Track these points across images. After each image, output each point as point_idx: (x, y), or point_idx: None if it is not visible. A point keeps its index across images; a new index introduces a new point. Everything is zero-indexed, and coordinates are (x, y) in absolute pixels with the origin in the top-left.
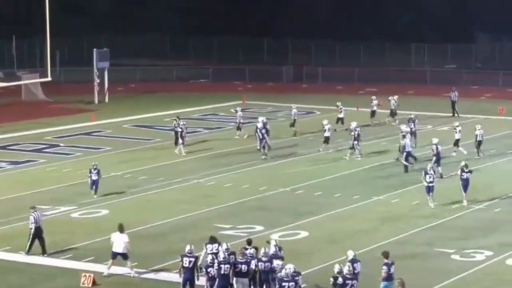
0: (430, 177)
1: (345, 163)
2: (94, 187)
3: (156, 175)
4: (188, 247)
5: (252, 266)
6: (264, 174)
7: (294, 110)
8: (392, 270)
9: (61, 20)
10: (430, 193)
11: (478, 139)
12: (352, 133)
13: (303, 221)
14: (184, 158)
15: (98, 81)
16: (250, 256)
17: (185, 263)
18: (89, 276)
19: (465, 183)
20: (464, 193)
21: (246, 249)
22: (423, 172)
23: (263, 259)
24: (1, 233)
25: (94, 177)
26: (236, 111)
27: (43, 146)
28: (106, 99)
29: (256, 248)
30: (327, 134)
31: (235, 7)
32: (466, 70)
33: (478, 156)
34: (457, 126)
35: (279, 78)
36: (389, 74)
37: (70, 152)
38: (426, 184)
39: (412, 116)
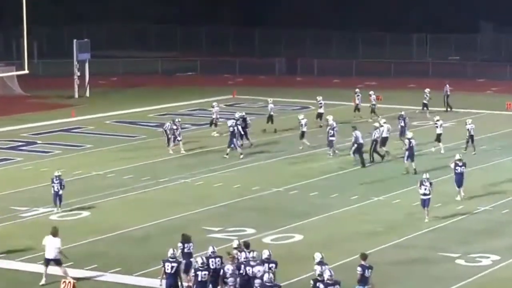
0: (425, 188)
1: (342, 162)
2: (57, 199)
3: (141, 174)
4: (170, 251)
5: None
6: (257, 173)
7: (271, 105)
8: (368, 274)
9: (39, 8)
10: (426, 207)
11: (470, 133)
12: (330, 129)
13: (298, 223)
14: (171, 156)
15: (78, 74)
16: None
17: (167, 269)
18: (69, 282)
19: (459, 178)
20: (458, 188)
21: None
22: (418, 182)
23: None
24: None
25: (57, 188)
26: (213, 106)
27: (19, 143)
28: (87, 94)
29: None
30: (304, 129)
31: None
32: (471, 62)
33: (465, 150)
34: (438, 121)
35: (272, 71)
36: (389, 67)
37: (49, 150)
38: (421, 196)
39: (403, 113)
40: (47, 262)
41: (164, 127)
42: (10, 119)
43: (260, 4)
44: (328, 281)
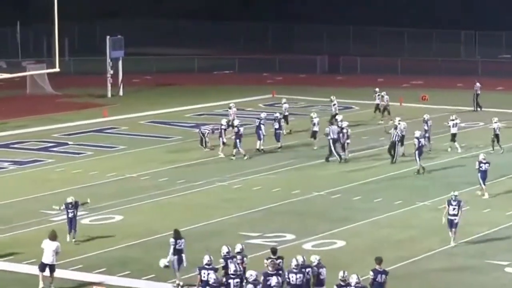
0: (454, 208)
1: (385, 165)
2: (71, 227)
3: (176, 176)
4: (206, 258)
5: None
6: (298, 176)
7: (285, 105)
8: (381, 279)
9: (70, 3)
10: (453, 229)
11: (495, 132)
12: (345, 131)
13: (340, 229)
14: (207, 158)
15: (111, 72)
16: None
17: (203, 276)
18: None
19: (483, 175)
20: (483, 186)
21: (276, 259)
22: (446, 202)
23: (294, 270)
24: (3, 241)
25: (71, 214)
26: (230, 107)
27: (50, 144)
28: (121, 93)
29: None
30: (315, 128)
31: None
32: None
33: (493, 150)
34: (453, 119)
35: (313, 69)
36: (436, 65)
37: (80, 151)
38: (448, 216)
39: (426, 117)
40: (43, 267)
41: (202, 129)
42: (41, 119)
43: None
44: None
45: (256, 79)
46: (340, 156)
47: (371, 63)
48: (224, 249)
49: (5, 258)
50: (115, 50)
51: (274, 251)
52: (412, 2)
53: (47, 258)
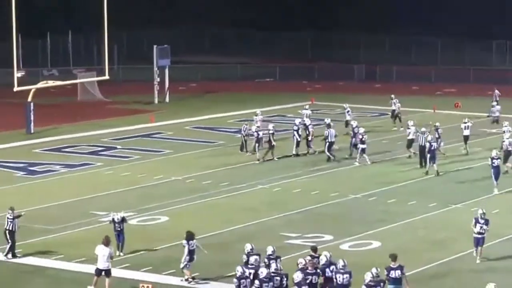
0: (481, 227)
1: (418, 170)
2: (120, 242)
3: (220, 179)
4: (239, 270)
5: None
6: (336, 180)
7: (307, 111)
8: (396, 275)
9: (119, 13)
10: (479, 247)
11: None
12: (361, 137)
13: (376, 230)
14: (249, 162)
15: (158, 80)
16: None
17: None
18: (148, 286)
19: (496, 171)
20: (495, 182)
21: (314, 257)
22: (473, 220)
23: (342, 271)
24: (55, 241)
25: (119, 227)
26: (257, 115)
27: (100, 148)
28: (167, 99)
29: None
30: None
31: (304, 2)
32: None
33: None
34: (466, 122)
35: (351, 77)
36: (468, 74)
37: (128, 155)
38: (474, 234)
39: (437, 124)
40: (98, 272)
41: (245, 131)
42: (91, 124)
43: (339, 9)
44: (370, 283)
45: (296, 87)
46: (334, 156)
47: (406, 72)
48: (269, 249)
49: (57, 257)
50: (162, 59)
51: (314, 249)
52: (444, 12)
53: (102, 263)
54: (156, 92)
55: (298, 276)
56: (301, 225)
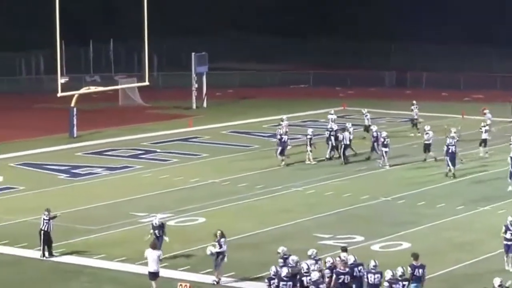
0: (511, 233)
1: (448, 173)
2: (161, 245)
3: (255, 182)
4: (273, 270)
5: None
6: (367, 183)
7: (333, 116)
8: (419, 273)
9: (159, 22)
10: (510, 254)
11: None
12: (383, 140)
13: (405, 232)
14: (284, 165)
15: (196, 86)
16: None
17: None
18: (186, 285)
19: None
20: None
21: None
22: (503, 228)
23: (373, 271)
24: (96, 240)
25: (158, 233)
26: (283, 120)
27: (140, 152)
28: (204, 105)
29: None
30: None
31: (336, 9)
32: None
33: None
34: (484, 126)
35: (382, 84)
36: (495, 80)
37: (167, 158)
38: (504, 241)
39: (453, 130)
40: (151, 275)
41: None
42: (131, 128)
43: (370, 18)
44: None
45: (329, 93)
46: (347, 159)
47: (435, 78)
48: (312, 252)
49: (98, 256)
50: (199, 66)
51: (344, 249)
52: (473, 21)
53: (151, 266)
54: (194, 97)
55: (315, 275)
56: (333, 227)
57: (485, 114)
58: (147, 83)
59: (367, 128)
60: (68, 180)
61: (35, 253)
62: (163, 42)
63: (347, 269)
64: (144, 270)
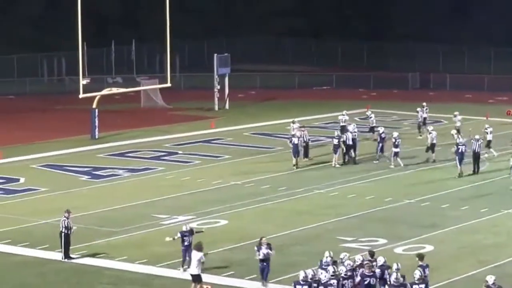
0: None
1: (470, 176)
2: (185, 257)
3: (278, 184)
4: (302, 274)
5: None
6: (391, 185)
7: (344, 117)
8: (426, 273)
9: (181, 23)
10: None
11: None
12: (394, 141)
13: (429, 235)
14: (306, 168)
15: (218, 87)
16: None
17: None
18: (207, 287)
19: None
20: None
21: (372, 260)
22: None
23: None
24: (118, 242)
25: (187, 242)
26: (294, 122)
27: (162, 153)
28: (227, 106)
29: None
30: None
31: (359, 10)
32: None
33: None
34: (488, 128)
35: (405, 85)
36: None
37: (189, 160)
38: None
39: (477, 136)
40: (192, 277)
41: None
42: (153, 130)
43: (394, 19)
44: (394, 283)
45: (352, 95)
46: (350, 158)
47: (459, 80)
48: (343, 255)
49: (120, 258)
50: (221, 67)
51: (371, 253)
52: (498, 23)
53: (193, 268)
54: (216, 99)
55: (325, 276)
56: (356, 229)
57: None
58: (169, 84)
59: (372, 129)
60: (90, 181)
61: (56, 255)
62: (185, 43)
63: (372, 272)
64: (164, 272)
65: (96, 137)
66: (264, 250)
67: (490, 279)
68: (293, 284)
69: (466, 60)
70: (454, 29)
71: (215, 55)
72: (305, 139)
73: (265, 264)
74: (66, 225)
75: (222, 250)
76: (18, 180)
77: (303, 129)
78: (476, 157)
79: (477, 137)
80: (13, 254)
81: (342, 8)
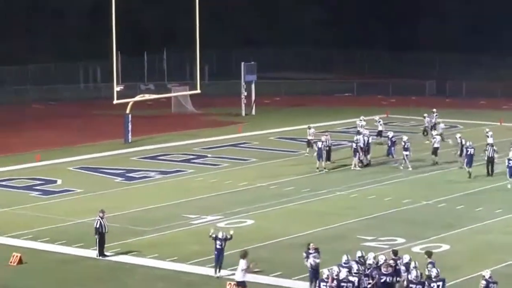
0: None
1: (484, 179)
2: (218, 262)
3: (301, 186)
4: (326, 272)
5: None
6: (409, 187)
7: (361, 122)
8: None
9: (210, 33)
10: None
11: None
12: (403, 144)
13: (445, 234)
14: (328, 170)
15: (245, 94)
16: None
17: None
18: (234, 284)
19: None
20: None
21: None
22: None
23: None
24: (150, 241)
25: (220, 245)
26: (309, 128)
27: (192, 156)
28: (253, 112)
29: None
30: (490, 141)
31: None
32: None
33: None
34: (489, 131)
35: (422, 92)
36: None
37: (218, 163)
38: None
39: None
40: (237, 284)
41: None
42: (183, 134)
43: (411, 29)
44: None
45: (372, 101)
46: (362, 162)
47: (474, 87)
48: (371, 256)
49: (151, 256)
50: (248, 75)
51: (395, 252)
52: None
53: (237, 275)
54: (243, 105)
55: (344, 272)
56: (376, 229)
57: None
58: (198, 91)
59: (380, 134)
60: (123, 183)
61: (92, 253)
62: (214, 52)
63: (389, 271)
64: (193, 269)
65: (129, 141)
66: (311, 260)
67: (487, 273)
68: (317, 283)
69: (481, 68)
70: (469, 39)
71: (242, 63)
72: (327, 143)
73: (315, 271)
74: (101, 224)
75: (249, 248)
76: (55, 181)
77: (326, 133)
78: (490, 161)
79: (490, 141)
80: (52, 252)
81: (363, 20)
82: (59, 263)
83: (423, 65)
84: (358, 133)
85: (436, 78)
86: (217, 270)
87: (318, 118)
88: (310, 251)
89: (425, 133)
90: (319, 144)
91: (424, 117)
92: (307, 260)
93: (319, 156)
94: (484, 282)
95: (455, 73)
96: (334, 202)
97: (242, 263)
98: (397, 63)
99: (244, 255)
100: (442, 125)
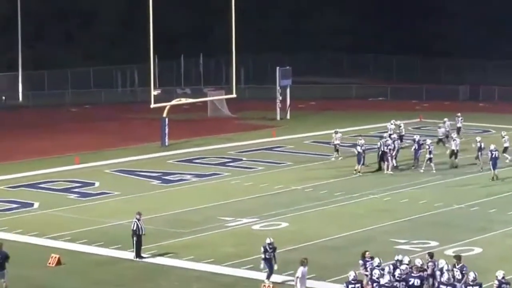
0: None
1: None
2: (269, 271)
3: (335, 189)
4: (352, 274)
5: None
6: (442, 191)
7: (391, 125)
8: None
9: (246, 37)
10: None
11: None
12: (427, 147)
13: (477, 238)
14: (362, 174)
15: (280, 98)
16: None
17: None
18: (268, 286)
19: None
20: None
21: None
22: None
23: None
24: (186, 243)
25: (269, 255)
26: (336, 132)
27: (227, 160)
28: (288, 116)
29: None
30: (506, 144)
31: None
32: None
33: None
34: (506, 135)
35: (456, 97)
36: None
37: (252, 166)
38: None
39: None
40: None
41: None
42: (219, 138)
43: (445, 36)
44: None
45: (406, 106)
46: (380, 166)
47: (507, 92)
48: (406, 259)
49: (187, 258)
50: (283, 79)
51: (431, 255)
52: None
53: (296, 283)
54: (278, 109)
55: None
56: (409, 232)
57: None
58: (234, 95)
59: (401, 138)
60: (160, 186)
61: (129, 254)
62: (249, 57)
63: (419, 274)
64: (228, 271)
65: (166, 144)
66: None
67: (500, 274)
68: (344, 285)
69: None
70: (500, 46)
71: (278, 67)
72: (362, 148)
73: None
74: (138, 226)
75: (284, 251)
76: (93, 184)
77: (360, 138)
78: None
79: (506, 145)
80: (89, 253)
81: (398, 25)
82: (97, 265)
83: (456, 71)
84: (389, 136)
85: (469, 83)
86: (268, 277)
87: (352, 122)
88: (367, 259)
89: (441, 143)
90: (358, 148)
91: (439, 127)
92: (365, 270)
93: (359, 160)
94: (497, 282)
95: (488, 78)
96: (367, 205)
97: (299, 271)
98: (431, 68)
99: (302, 263)
100: (441, 130)
